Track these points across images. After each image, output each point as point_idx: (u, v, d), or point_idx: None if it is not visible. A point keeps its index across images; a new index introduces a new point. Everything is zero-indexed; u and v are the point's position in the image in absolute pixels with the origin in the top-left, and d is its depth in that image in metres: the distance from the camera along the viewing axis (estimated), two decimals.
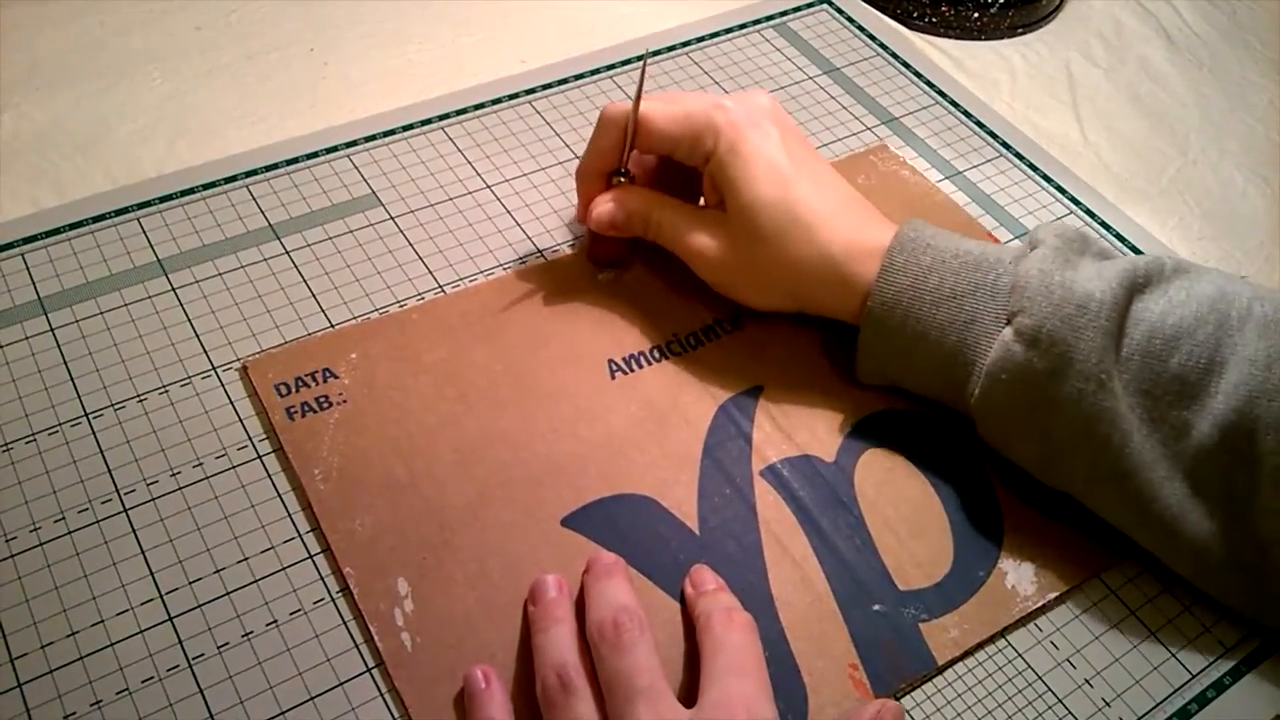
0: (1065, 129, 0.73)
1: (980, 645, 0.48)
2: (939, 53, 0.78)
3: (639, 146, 0.56)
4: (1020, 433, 0.50)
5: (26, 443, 0.51)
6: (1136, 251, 0.64)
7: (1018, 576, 0.50)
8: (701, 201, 0.58)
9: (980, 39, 0.79)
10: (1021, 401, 0.49)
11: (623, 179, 0.57)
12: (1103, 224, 0.66)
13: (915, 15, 0.80)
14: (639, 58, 0.74)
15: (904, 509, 0.52)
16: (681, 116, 0.54)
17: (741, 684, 0.43)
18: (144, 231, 0.60)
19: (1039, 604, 0.49)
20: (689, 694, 0.45)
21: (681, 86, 0.72)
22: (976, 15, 0.80)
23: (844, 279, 0.53)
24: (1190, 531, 0.48)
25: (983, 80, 0.76)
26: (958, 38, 0.79)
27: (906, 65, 0.75)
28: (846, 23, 0.78)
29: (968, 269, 0.51)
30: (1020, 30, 0.80)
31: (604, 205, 0.57)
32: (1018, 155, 0.70)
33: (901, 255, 0.52)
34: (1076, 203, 0.67)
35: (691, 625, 0.47)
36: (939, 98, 0.73)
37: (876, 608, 0.49)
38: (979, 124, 0.72)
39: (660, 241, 0.57)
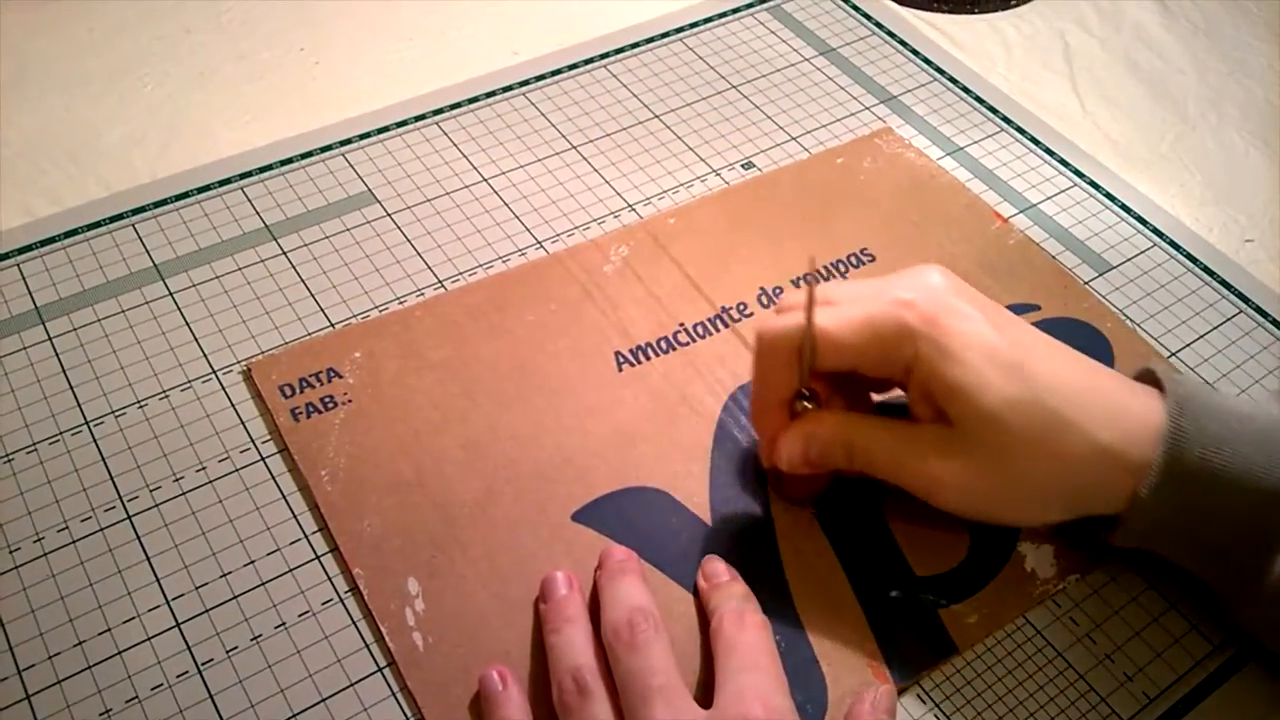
0: (1063, 100, 0.73)
1: None
2: (933, 29, 0.77)
3: (816, 366, 0.46)
4: None
5: (28, 453, 0.51)
6: (1140, 220, 0.64)
7: (1037, 559, 0.50)
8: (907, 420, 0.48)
9: (974, 12, 0.79)
10: None
11: (806, 404, 0.47)
12: (1105, 193, 0.65)
13: None
14: (631, 46, 0.73)
15: None
16: (862, 324, 0.45)
17: (756, 679, 0.42)
18: (139, 237, 0.60)
19: (1059, 586, 0.49)
20: (706, 687, 0.44)
21: (677, 74, 0.71)
22: None
23: (1123, 466, 0.44)
24: None
25: (978, 54, 0.75)
26: (951, 12, 0.78)
27: (902, 43, 0.75)
28: (841, 2, 0.77)
29: (1264, 440, 0.44)
30: (1013, 2, 0.79)
31: (793, 444, 0.47)
32: (1017, 129, 0.69)
33: (1187, 422, 0.44)
34: (1078, 174, 0.66)
35: (707, 618, 0.46)
36: (936, 74, 0.73)
37: (894, 594, 0.48)
38: (977, 99, 0.71)
39: (873, 472, 0.47)
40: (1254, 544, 0.44)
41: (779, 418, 0.48)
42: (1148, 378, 0.47)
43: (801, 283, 0.57)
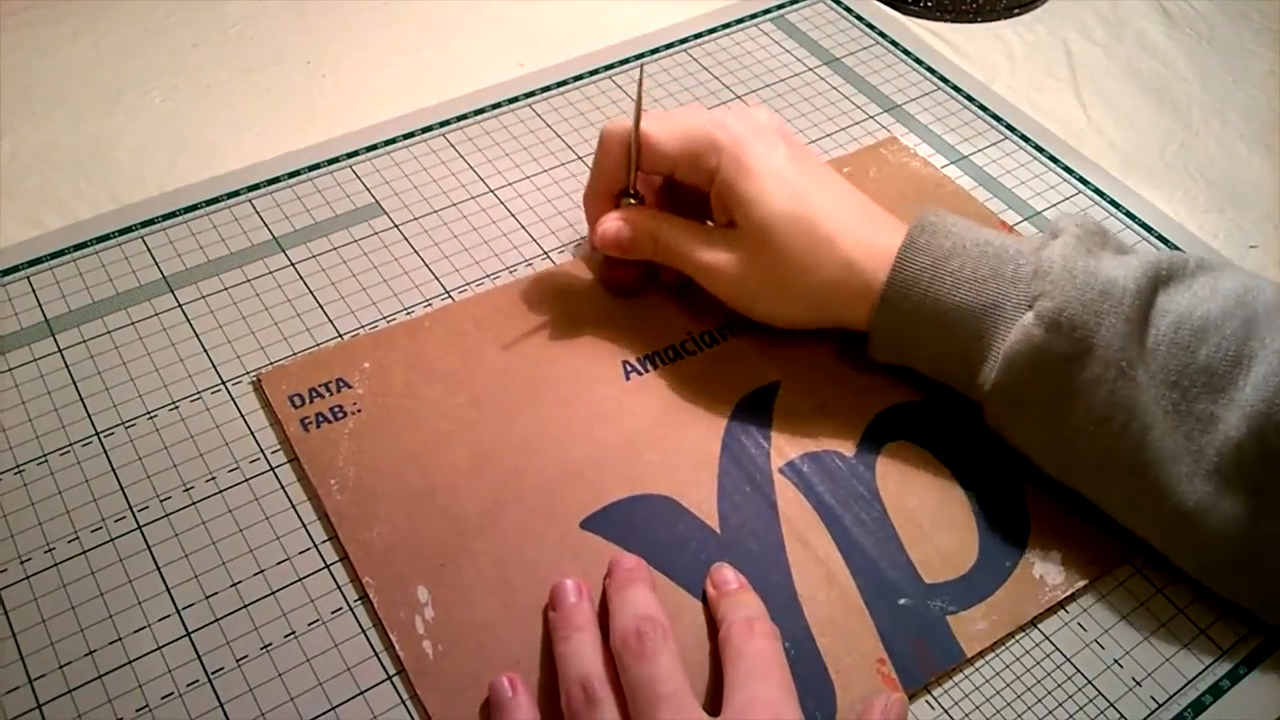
0: (1066, 108, 0.73)
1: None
2: (936, 37, 0.77)
3: (642, 166, 0.55)
4: (1033, 418, 0.49)
5: (38, 464, 0.51)
6: (1145, 228, 0.64)
7: (1045, 566, 0.50)
8: (710, 224, 0.56)
9: (976, 21, 0.79)
10: (1038, 386, 0.48)
11: (631, 200, 0.56)
12: (1110, 201, 0.66)
13: (911, 0, 0.79)
14: (636, 58, 0.73)
15: (927, 501, 0.52)
16: (680, 134, 0.53)
17: (765, 688, 0.42)
18: (148, 249, 0.60)
19: (1068, 593, 0.49)
20: (714, 696, 0.44)
21: (682, 84, 0.72)
22: None
23: (864, 285, 0.51)
24: (1206, 530, 0.46)
25: (981, 63, 0.76)
26: (954, 21, 0.79)
27: (906, 52, 0.75)
28: (844, 12, 0.78)
29: (989, 256, 0.50)
30: (1016, 11, 0.80)
31: (610, 223, 0.55)
32: (1022, 137, 0.69)
33: (922, 237, 0.50)
34: (1083, 181, 0.67)
35: (716, 626, 0.46)
36: (940, 83, 0.73)
37: (902, 602, 0.48)
38: (981, 107, 0.71)
39: (670, 261, 0.55)
40: (971, 350, 0.50)
41: (607, 208, 0.56)
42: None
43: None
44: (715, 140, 0.53)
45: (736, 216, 0.53)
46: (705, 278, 0.55)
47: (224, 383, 0.54)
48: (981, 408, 0.51)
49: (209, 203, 0.63)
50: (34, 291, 0.58)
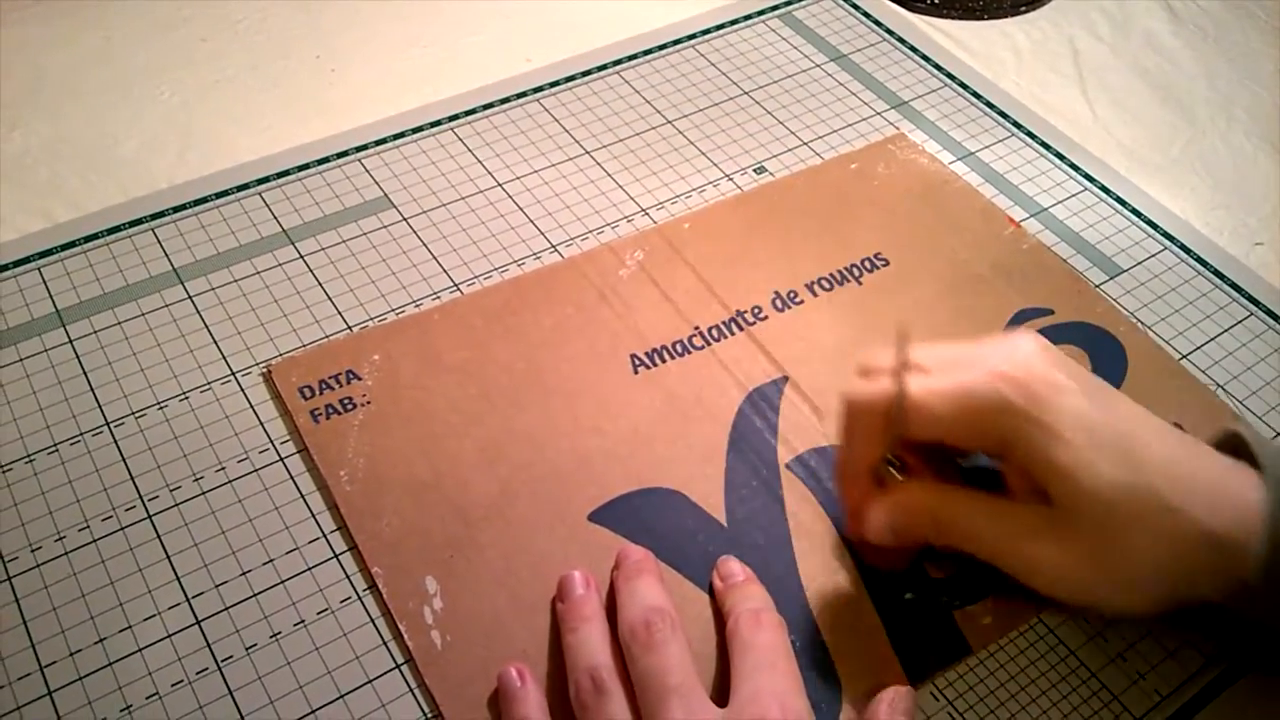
0: (1073, 105, 0.73)
1: None
2: (943, 35, 0.78)
3: (908, 434, 0.45)
4: None
5: (49, 453, 0.51)
6: (1151, 225, 0.64)
7: None
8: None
9: (983, 18, 0.79)
10: None
11: (894, 472, 0.47)
12: (1116, 198, 0.66)
13: None
14: (644, 53, 0.73)
15: None
16: (956, 394, 0.44)
17: (773, 679, 0.42)
18: (159, 241, 0.60)
19: None
20: (721, 689, 0.44)
21: (689, 79, 0.72)
22: None
23: (1229, 552, 0.41)
24: None
25: (988, 60, 0.76)
26: (960, 18, 0.79)
27: (913, 49, 0.75)
28: (851, 9, 0.78)
29: None
30: (1023, 8, 0.80)
31: (879, 516, 0.46)
32: (1028, 134, 0.70)
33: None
34: (1089, 178, 0.67)
35: (723, 618, 0.46)
36: (947, 80, 0.73)
37: (908, 596, 0.48)
38: (988, 104, 0.71)
39: (961, 546, 0.45)
40: None
41: (864, 485, 0.47)
42: (1232, 442, 0.45)
43: (816, 288, 0.58)
44: (1004, 400, 0.42)
45: (1053, 491, 0.42)
46: (1023, 573, 0.44)
47: (234, 374, 0.54)
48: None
49: (218, 195, 0.63)
50: (45, 283, 0.58)
